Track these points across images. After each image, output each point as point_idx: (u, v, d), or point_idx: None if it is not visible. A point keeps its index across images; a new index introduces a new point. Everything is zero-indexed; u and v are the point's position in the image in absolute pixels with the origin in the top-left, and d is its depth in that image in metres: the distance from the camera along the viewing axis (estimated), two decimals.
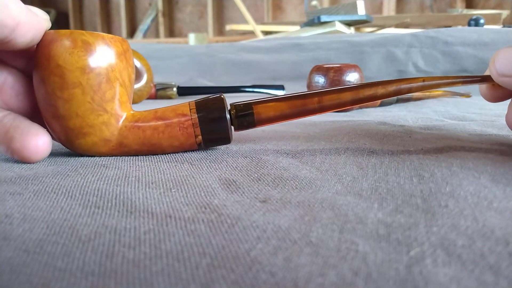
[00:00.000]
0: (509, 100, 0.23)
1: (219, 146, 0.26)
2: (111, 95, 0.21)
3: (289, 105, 0.23)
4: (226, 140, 0.23)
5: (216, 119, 0.23)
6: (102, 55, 0.21)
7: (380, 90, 0.23)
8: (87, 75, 0.20)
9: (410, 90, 0.23)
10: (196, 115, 0.22)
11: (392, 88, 0.23)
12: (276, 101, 0.23)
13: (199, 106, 0.23)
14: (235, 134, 0.31)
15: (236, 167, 0.21)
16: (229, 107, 0.23)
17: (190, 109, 0.23)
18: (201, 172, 0.20)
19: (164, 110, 0.23)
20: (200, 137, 0.23)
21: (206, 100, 0.23)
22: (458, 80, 0.23)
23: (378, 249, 0.12)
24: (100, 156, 0.23)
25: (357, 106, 0.24)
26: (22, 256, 0.12)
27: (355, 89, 0.23)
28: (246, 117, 0.23)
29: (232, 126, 0.23)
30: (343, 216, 0.14)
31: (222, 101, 0.23)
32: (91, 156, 0.23)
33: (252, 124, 0.23)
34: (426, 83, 0.23)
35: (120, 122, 0.22)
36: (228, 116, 0.23)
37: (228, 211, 0.15)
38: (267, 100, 0.23)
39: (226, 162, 0.22)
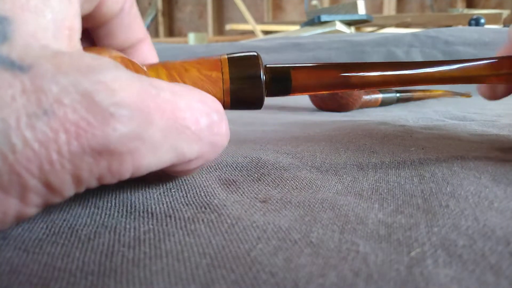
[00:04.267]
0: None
1: None
2: None
3: (330, 75, 0.20)
4: (259, 103, 0.20)
5: (249, 77, 0.19)
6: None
7: (431, 72, 0.20)
8: None
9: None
10: (228, 69, 0.19)
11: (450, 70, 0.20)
12: (318, 69, 0.21)
13: (232, 61, 0.19)
14: (238, 129, 0.31)
15: (236, 167, 0.21)
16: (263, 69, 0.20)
17: (221, 60, 0.19)
18: (201, 172, 0.20)
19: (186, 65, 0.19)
20: (227, 75, 0.19)
21: (242, 56, 0.20)
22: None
23: (378, 250, 0.12)
24: None
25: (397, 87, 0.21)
26: (21, 256, 0.12)
27: (409, 67, 0.20)
28: (282, 82, 0.20)
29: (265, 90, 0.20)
30: (343, 217, 0.14)
31: (257, 59, 0.19)
32: None
33: (287, 90, 0.20)
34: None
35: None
36: (262, 77, 0.19)
37: (228, 211, 0.15)
38: (308, 67, 0.21)
39: (226, 162, 0.22)
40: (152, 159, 0.12)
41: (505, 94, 0.23)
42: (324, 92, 0.21)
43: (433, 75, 0.21)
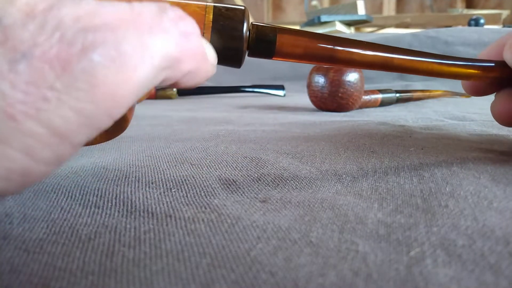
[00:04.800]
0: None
1: (220, 146, 0.26)
2: None
3: (318, 46, 0.19)
4: (238, 57, 0.19)
5: (231, 30, 0.18)
6: None
7: (424, 62, 0.20)
8: None
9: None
10: (211, 16, 0.18)
11: (435, 60, 0.20)
12: (306, 37, 0.19)
13: (218, 9, 0.18)
14: (238, 129, 0.31)
15: (236, 167, 0.21)
16: (249, 25, 0.19)
17: (206, 7, 0.18)
18: (201, 172, 0.20)
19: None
20: (210, 24, 0.18)
21: (228, 7, 0.19)
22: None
23: (378, 249, 0.12)
24: None
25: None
26: (22, 256, 0.12)
27: (400, 52, 0.20)
28: (266, 43, 0.19)
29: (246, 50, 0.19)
30: (343, 216, 0.14)
31: (243, 13, 0.19)
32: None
33: (270, 53, 0.19)
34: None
35: None
36: (245, 33, 0.18)
37: (228, 211, 0.15)
38: (296, 32, 0.20)
39: (226, 162, 0.22)
40: (145, 69, 0.11)
41: (489, 93, 0.23)
42: (309, 63, 0.20)
43: (428, 66, 0.20)
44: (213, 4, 0.19)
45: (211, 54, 0.16)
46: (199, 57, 0.15)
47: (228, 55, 0.19)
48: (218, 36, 0.18)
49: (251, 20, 0.19)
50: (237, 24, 0.18)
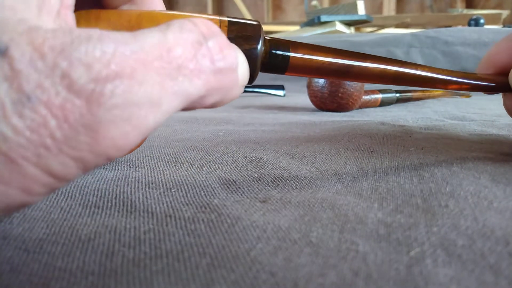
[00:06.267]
0: None
1: (220, 146, 0.26)
2: None
3: (333, 63, 0.19)
4: (252, 78, 0.18)
5: (248, 47, 0.18)
6: None
7: (433, 77, 0.21)
8: None
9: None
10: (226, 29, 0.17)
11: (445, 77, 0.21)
12: (320, 51, 0.19)
13: (232, 25, 0.18)
14: (238, 129, 0.31)
15: (236, 167, 0.21)
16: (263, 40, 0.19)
17: (220, 22, 0.18)
18: (201, 172, 0.20)
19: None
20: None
21: (243, 22, 0.18)
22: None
23: (378, 249, 0.12)
24: None
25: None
26: (22, 256, 0.12)
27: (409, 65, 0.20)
28: (279, 58, 0.19)
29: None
30: (343, 216, 0.14)
31: (259, 29, 0.18)
32: None
33: (283, 69, 0.19)
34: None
35: None
36: (260, 47, 0.18)
37: (228, 211, 0.15)
38: (310, 46, 0.19)
39: (226, 162, 0.22)
40: (157, 115, 0.11)
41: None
42: (321, 77, 0.20)
43: (435, 79, 0.21)
44: (227, 18, 0.18)
45: (244, 77, 0.15)
46: (229, 88, 0.13)
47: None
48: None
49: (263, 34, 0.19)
50: (253, 42, 0.18)
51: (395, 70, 0.20)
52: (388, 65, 0.20)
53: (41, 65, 0.09)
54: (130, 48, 0.10)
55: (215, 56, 0.12)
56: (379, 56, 0.20)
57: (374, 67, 0.20)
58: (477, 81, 0.22)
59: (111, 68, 0.10)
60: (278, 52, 0.19)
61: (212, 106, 0.14)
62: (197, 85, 0.12)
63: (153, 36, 0.11)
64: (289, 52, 0.19)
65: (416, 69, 0.21)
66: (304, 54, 0.19)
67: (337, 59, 0.19)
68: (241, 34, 0.18)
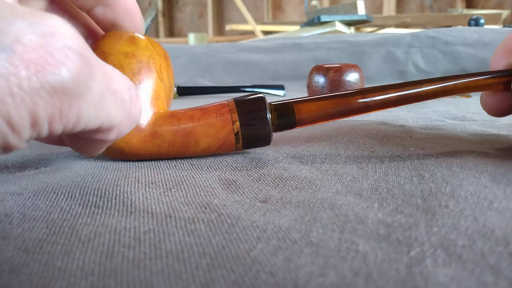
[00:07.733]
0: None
1: None
2: (149, 83, 0.22)
3: (332, 104, 0.22)
4: (267, 139, 0.22)
5: (256, 117, 0.22)
6: (145, 48, 0.22)
7: (427, 89, 0.22)
8: (129, 59, 0.21)
9: (455, 88, 0.22)
10: (235, 108, 0.21)
11: (439, 85, 0.22)
12: (319, 100, 0.22)
13: (239, 103, 0.22)
14: None
15: (236, 167, 0.21)
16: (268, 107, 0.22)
17: (228, 104, 0.22)
18: (201, 172, 0.20)
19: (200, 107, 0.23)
20: (238, 123, 0.21)
21: (247, 98, 0.22)
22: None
23: (378, 249, 0.12)
24: (130, 151, 0.21)
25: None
26: (22, 256, 0.12)
27: (401, 87, 0.22)
28: (287, 117, 0.22)
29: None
30: (343, 216, 0.14)
31: (263, 100, 0.22)
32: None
33: (292, 125, 0.23)
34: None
35: (154, 111, 0.21)
36: (269, 115, 0.22)
37: (228, 211, 0.15)
38: (309, 99, 0.23)
39: (226, 162, 0.22)
40: (90, 112, 0.12)
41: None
42: (330, 121, 0.23)
43: (435, 90, 0.22)
44: (233, 100, 0.22)
45: (140, 112, 0.17)
46: (133, 123, 0.16)
47: (258, 141, 0.22)
48: (247, 129, 0.22)
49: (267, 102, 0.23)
50: (262, 114, 0.22)
51: (397, 96, 0.22)
52: (389, 93, 0.22)
53: (20, 24, 0.11)
54: (95, 58, 0.13)
55: (133, 102, 0.15)
56: (377, 87, 0.22)
57: (373, 100, 0.22)
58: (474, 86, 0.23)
59: (82, 48, 0.12)
60: (285, 114, 0.22)
61: (107, 142, 0.16)
62: (118, 115, 0.14)
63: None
64: (293, 110, 0.22)
65: (416, 87, 0.22)
66: (306, 108, 0.22)
67: (337, 107, 0.22)
68: (250, 113, 0.21)
